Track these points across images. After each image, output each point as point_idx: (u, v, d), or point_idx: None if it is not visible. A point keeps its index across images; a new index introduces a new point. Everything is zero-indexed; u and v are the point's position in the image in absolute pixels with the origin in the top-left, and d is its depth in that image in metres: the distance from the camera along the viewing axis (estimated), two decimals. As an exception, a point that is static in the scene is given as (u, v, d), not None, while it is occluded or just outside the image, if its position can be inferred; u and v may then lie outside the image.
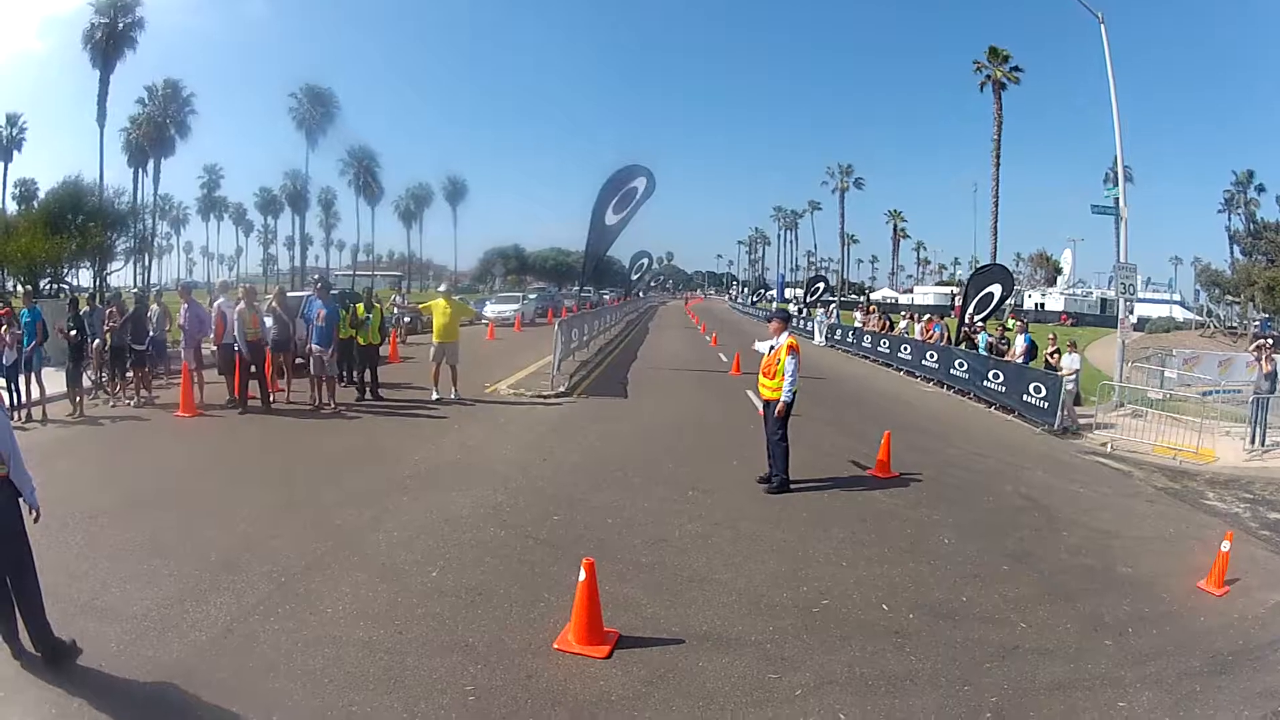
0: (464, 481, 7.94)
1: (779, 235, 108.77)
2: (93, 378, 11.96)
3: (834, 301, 47.22)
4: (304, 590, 5.11)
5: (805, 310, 38.35)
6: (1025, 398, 13.72)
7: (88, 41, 46.98)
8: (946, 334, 19.84)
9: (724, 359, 20.98)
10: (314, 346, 11.70)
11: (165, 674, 3.98)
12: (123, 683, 3.90)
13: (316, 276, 15.48)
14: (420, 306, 14.51)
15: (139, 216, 44.34)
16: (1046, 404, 13.07)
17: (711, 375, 18.25)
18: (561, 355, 15.65)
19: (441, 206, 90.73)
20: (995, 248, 47.84)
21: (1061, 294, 68.93)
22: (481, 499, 7.33)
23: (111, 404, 11.70)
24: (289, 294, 13.77)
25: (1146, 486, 9.50)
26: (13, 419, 9.45)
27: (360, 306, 13.39)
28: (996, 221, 47.63)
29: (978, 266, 33.08)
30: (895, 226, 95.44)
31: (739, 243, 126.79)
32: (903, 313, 33.90)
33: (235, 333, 11.53)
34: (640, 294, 57.72)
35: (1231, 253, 61.84)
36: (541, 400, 13.32)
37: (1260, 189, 67.65)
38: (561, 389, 14.16)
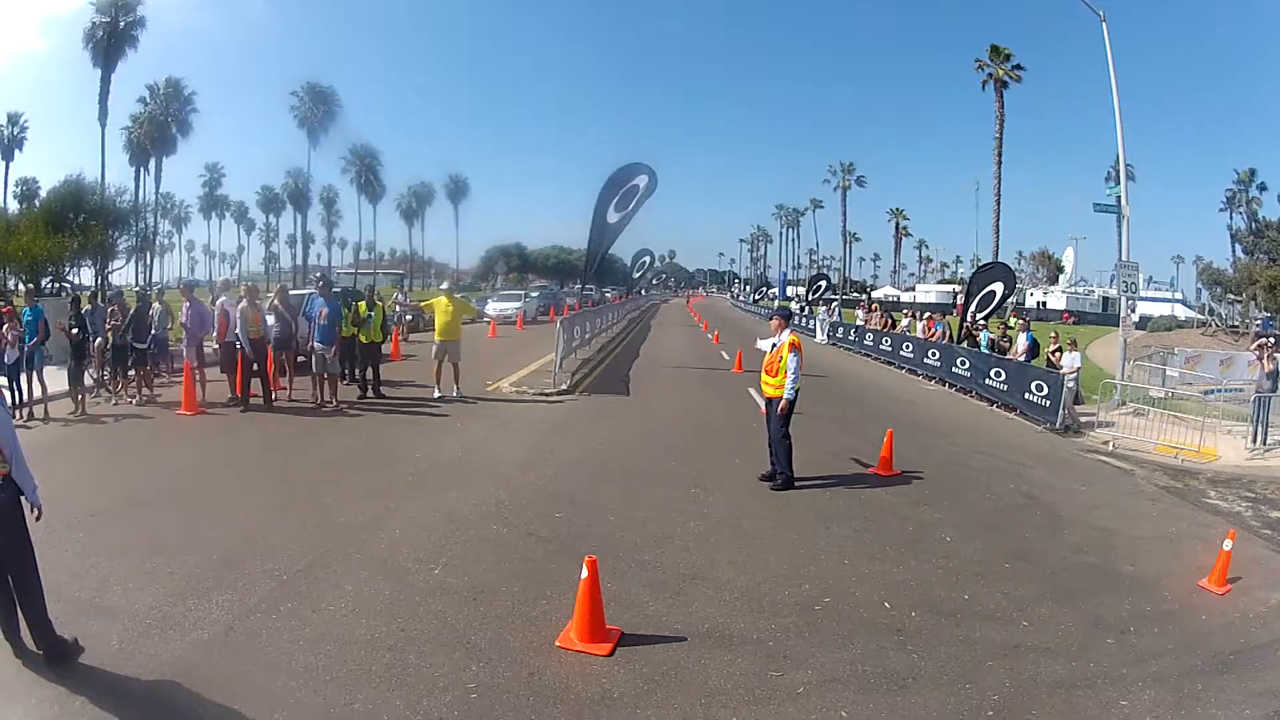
0: (466, 479, 7.95)
1: (781, 233, 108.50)
2: (94, 376, 11.98)
3: (836, 299, 47.19)
4: (306, 588, 5.12)
5: (807, 308, 38.31)
6: (1027, 396, 13.71)
7: (89, 40, 46.95)
8: (948, 332, 19.84)
9: (726, 357, 20.98)
10: (316, 344, 11.70)
11: (167, 672, 3.98)
12: (124, 681, 3.90)
13: (319, 274, 15.45)
14: (422, 304, 14.51)
15: (140, 215, 44.41)
16: (1048, 402, 13.05)
17: (713, 373, 18.24)
18: (563, 353, 15.66)
19: (443, 205, 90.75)
20: (997, 246, 47.70)
21: (1063, 292, 68.78)
22: (484, 497, 7.34)
23: (113, 402, 11.71)
24: (291, 292, 13.74)
25: (1148, 485, 9.48)
26: (14, 417, 9.47)
27: (362, 304, 13.38)
28: (998, 220, 47.47)
29: (980, 265, 33.04)
30: (897, 224, 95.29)
31: (741, 241, 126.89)
32: (905, 311, 33.94)
33: (238, 331, 11.54)
34: (642, 292, 57.78)
35: (1233, 251, 61.89)
36: (544, 398, 13.32)
37: (1262, 187, 67.51)
38: (563, 387, 14.16)
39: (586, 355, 19.70)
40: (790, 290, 65.92)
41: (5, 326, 10.34)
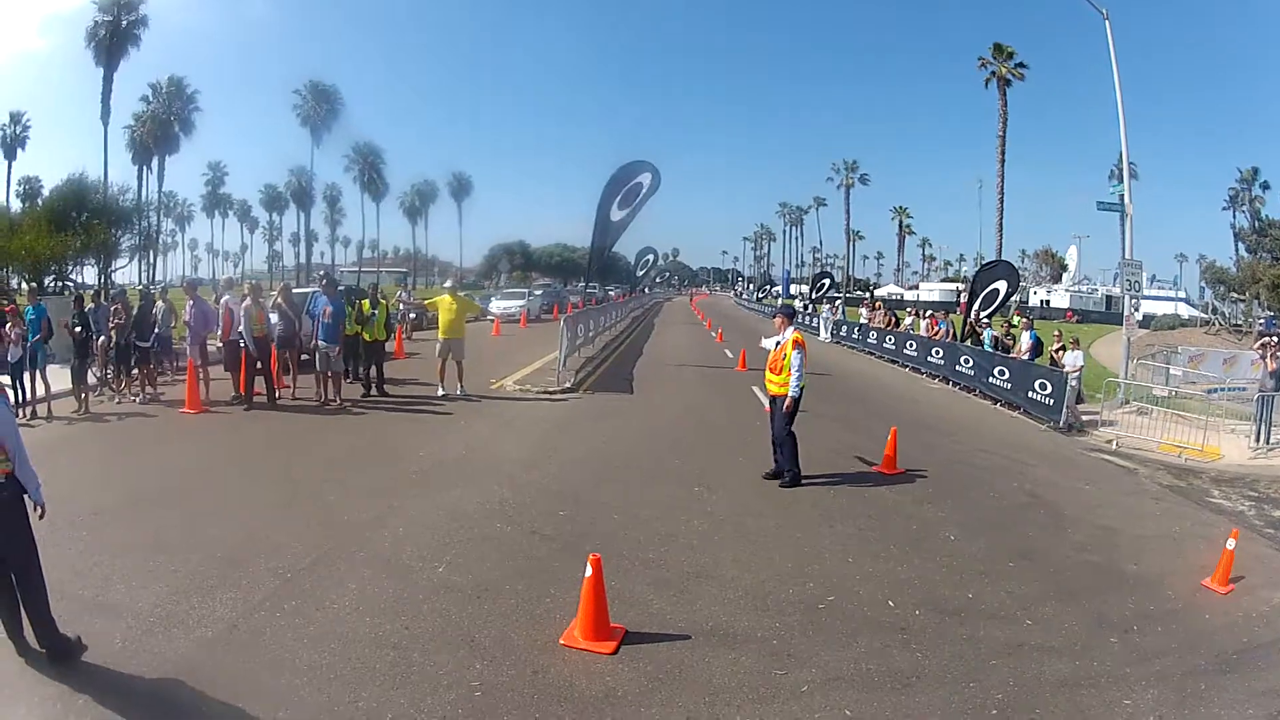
0: (470, 477, 7.95)
1: (784, 231, 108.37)
2: (98, 375, 11.99)
3: (839, 298, 47.09)
4: (310, 586, 5.12)
5: (811, 306, 38.30)
6: (1030, 394, 13.69)
7: (91, 39, 47.11)
8: (952, 330, 19.81)
9: (729, 355, 20.97)
10: (320, 343, 11.71)
11: (170, 670, 3.99)
12: (128, 679, 3.90)
13: (322, 273, 15.50)
14: (426, 303, 14.55)
15: (143, 213, 44.56)
16: (1052, 401, 13.03)
17: (717, 371, 18.24)
18: (567, 351, 15.66)
19: (447, 203, 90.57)
20: (1001, 244, 47.60)
21: (1067, 291, 68.63)
22: (487, 495, 7.34)
23: (117, 401, 11.73)
24: (295, 290, 13.76)
25: (1151, 484, 9.47)
26: (18, 416, 9.49)
27: (366, 302, 13.39)
28: (1002, 218, 47.40)
29: (983, 263, 32.96)
30: (901, 223, 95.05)
31: (744, 239, 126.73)
32: (908, 309, 33.88)
33: (241, 329, 11.55)
34: (645, 290, 57.72)
35: (1236, 250, 61.82)
36: (547, 396, 13.32)
37: (1265, 186, 67.50)
38: (567, 385, 14.17)
39: (590, 353, 19.71)
40: (794, 288, 65.83)
41: (8, 325, 10.35)
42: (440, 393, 12.67)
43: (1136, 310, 16.90)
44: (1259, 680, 4.44)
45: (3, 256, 22.59)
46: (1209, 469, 10.41)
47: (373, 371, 13.06)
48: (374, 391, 12.85)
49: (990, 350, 16.56)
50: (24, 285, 23.51)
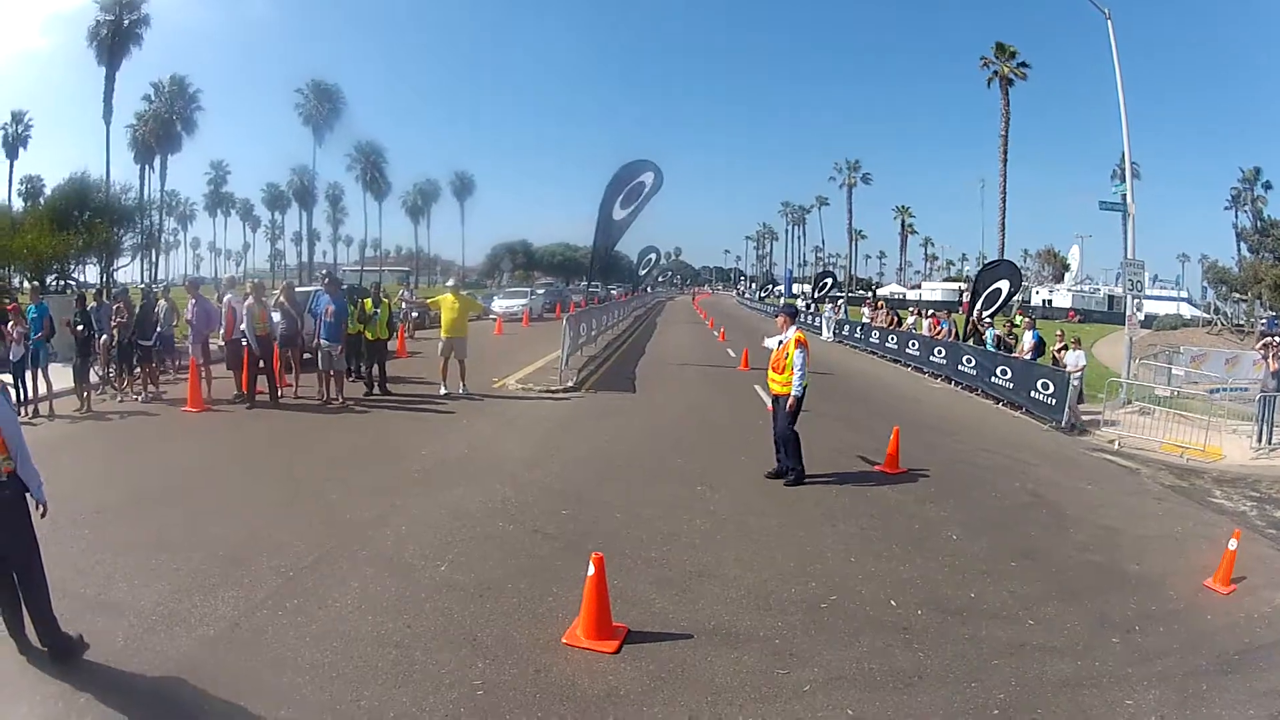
0: (472, 476, 7.95)
1: (787, 231, 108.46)
2: (100, 373, 12.01)
3: (841, 297, 47.11)
4: (312, 585, 5.12)
5: (813, 305, 38.28)
6: (1033, 394, 13.67)
7: (93, 38, 47.05)
8: (954, 330, 19.78)
9: (732, 354, 20.97)
10: (322, 341, 11.72)
11: (172, 668, 3.99)
12: (129, 678, 3.91)
13: (324, 272, 15.51)
14: (428, 301, 14.56)
15: (145, 212, 44.55)
16: (1054, 401, 13.02)
17: (719, 370, 18.24)
18: (569, 350, 15.66)
19: (449, 202, 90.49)
20: (1003, 243, 47.49)
21: (1069, 290, 68.51)
22: (490, 494, 7.34)
23: (119, 399, 11.75)
24: (297, 289, 13.78)
25: (1153, 484, 9.46)
26: (20, 414, 9.51)
27: (368, 301, 13.41)
28: (1004, 217, 47.30)
29: (985, 262, 32.93)
30: (903, 222, 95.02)
31: (747, 238, 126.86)
32: (910, 308, 33.84)
33: (244, 328, 11.56)
34: (648, 289, 57.71)
35: (1239, 250, 61.80)
36: (550, 395, 13.33)
37: (1267, 186, 67.35)
38: (569, 384, 14.18)
39: (592, 352, 19.71)
40: (796, 288, 65.76)
41: (11, 323, 10.38)
42: (443, 391, 12.67)
43: (1139, 310, 16.89)
44: (1260, 681, 4.43)
45: (5, 255, 22.65)
46: (1211, 469, 10.39)
47: (375, 370, 13.08)
48: (376, 390, 12.86)
49: (992, 350, 16.54)
50: (26, 284, 23.56)
